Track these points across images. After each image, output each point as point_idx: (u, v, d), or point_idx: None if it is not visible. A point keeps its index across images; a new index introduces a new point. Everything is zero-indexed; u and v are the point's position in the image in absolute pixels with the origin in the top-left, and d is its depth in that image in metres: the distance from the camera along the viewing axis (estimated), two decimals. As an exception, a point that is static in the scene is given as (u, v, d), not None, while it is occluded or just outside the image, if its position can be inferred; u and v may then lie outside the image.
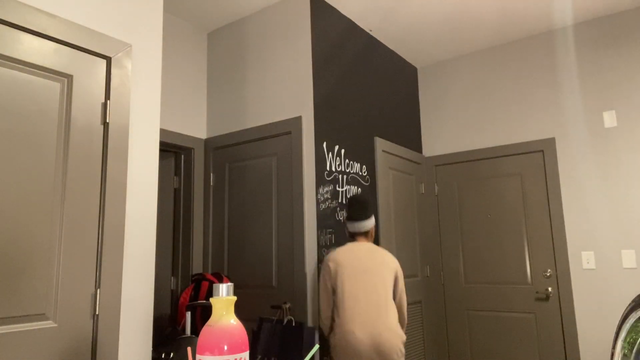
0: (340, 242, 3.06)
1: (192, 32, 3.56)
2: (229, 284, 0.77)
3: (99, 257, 1.87)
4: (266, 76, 3.24)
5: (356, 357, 2.32)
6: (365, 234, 2.60)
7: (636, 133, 3.35)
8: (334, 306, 2.46)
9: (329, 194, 3.00)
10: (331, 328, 2.47)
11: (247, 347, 0.75)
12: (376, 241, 3.44)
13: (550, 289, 3.56)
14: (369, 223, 2.60)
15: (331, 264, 2.49)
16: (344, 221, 2.66)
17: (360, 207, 2.62)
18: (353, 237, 2.62)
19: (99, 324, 1.83)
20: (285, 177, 3.04)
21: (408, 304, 3.71)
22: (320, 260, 2.86)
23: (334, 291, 2.47)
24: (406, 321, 2.60)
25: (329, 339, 2.49)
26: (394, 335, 2.36)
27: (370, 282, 2.41)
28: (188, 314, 2.63)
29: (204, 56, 3.63)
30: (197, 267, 3.33)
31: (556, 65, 3.73)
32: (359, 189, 3.32)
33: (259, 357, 2.51)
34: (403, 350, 2.38)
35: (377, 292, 2.40)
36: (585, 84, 3.58)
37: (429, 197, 4.25)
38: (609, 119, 3.45)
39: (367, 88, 3.62)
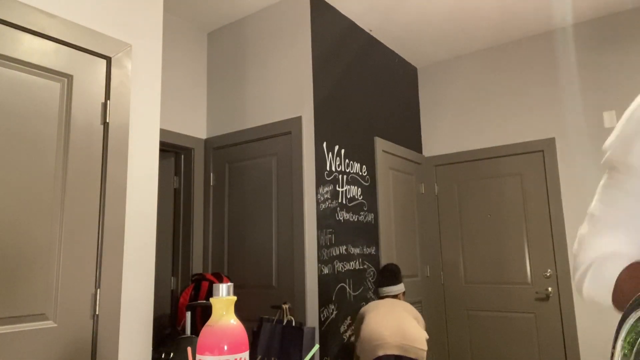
0: (340, 243, 3.06)
1: (192, 32, 3.56)
2: (229, 284, 0.77)
3: (99, 257, 1.87)
4: (266, 76, 3.24)
5: (383, 341, 2.48)
6: (393, 297, 2.94)
7: (636, 133, 3.35)
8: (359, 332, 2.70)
9: (329, 194, 3.00)
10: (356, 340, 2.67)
11: (247, 347, 0.75)
12: (376, 241, 3.44)
13: (550, 289, 3.56)
14: (397, 288, 2.95)
15: (361, 310, 2.82)
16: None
17: (391, 275, 2.99)
18: (382, 298, 2.95)
19: (99, 324, 1.83)
20: (285, 177, 3.04)
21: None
22: (320, 260, 2.86)
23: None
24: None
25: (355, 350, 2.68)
26: (417, 328, 2.54)
27: (391, 307, 2.70)
28: (188, 314, 2.63)
29: (204, 56, 3.63)
30: (197, 267, 3.33)
31: (556, 65, 3.73)
32: (359, 188, 3.32)
33: (259, 357, 2.51)
34: (426, 346, 2.54)
35: (395, 308, 2.68)
36: (585, 84, 3.58)
37: (429, 197, 4.25)
38: (609, 119, 3.45)
39: (367, 88, 3.62)
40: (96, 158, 1.92)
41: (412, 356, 2.43)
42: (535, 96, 3.80)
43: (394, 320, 2.56)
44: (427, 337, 2.61)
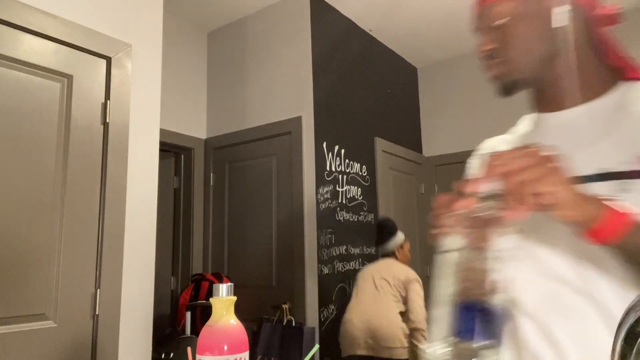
0: (340, 243, 3.06)
1: (192, 32, 3.56)
2: (229, 284, 0.78)
3: (99, 257, 1.88)
4: (266, 76, 3.24)
5: (353, 341, 2.53)
6: (390, 254, 2.82)
7: (636, 133, 3.35)
8: None
9: (329, 194, 3.00)
10: None
11: (247, 347, 0.75)
12: (376, 241, 3.43)
13: (550, 289, 3.56)
14: (392, 244, 2.81)
15: (358, 275, 2.80)
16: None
17: (379, 232, 2.89)
18: (384, 257, 2.90)
19: (99, 324, 1.83)
20: (285, 177, 3.04)
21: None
22: (320, 260, 2.86)
23: None
24: (420, 330, 2.53)
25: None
26: (391, 324, 2.49)
27: (376, 284, 2.65)
28: (188, 314, 2.63)
29: (204, 56, 3.63)
30: (197, 267, 3.33)
31: (556, 65, 3.72)
32: (359, 189, 3.32)
33: (259, 357, 2.51)
34: (404, 341, 2.46)
35: (379, 291, 2.62)
36: (585, 84, 3.58)
37: (429, 197, 4.25)
38: (609, 119, 3.45)
39: (367, 88, 3.62)
40: (96, 158, 1.92)
41: (385, 355, 2.43)
42: (535, 96, 3.80)
43: (367, 316, 2.54)
44: (404, 323, 2.51)
